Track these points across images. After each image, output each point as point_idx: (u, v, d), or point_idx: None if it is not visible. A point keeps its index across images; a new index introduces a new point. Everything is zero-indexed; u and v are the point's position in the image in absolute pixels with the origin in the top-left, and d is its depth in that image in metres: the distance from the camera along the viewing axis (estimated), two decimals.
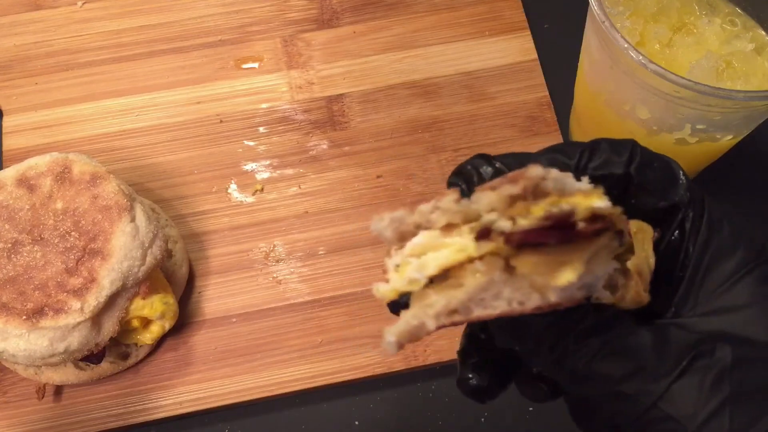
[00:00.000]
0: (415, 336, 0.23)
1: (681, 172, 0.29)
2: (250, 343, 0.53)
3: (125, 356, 0.52)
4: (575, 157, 0.29)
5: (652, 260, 0.27)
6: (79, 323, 0.45)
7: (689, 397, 0.25)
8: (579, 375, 0.26)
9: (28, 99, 0.62)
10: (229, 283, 0.55)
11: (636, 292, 0.26)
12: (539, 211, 0.22)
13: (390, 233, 0.24)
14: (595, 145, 0.30)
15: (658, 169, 0.29)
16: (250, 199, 0.58)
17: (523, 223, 0.22)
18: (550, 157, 0.29)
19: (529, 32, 0.64)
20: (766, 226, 0.58)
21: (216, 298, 0.55)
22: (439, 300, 0.23)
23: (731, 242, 0.28)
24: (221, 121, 0.61)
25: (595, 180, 0.25)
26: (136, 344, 0.52)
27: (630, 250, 0.26)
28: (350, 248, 0.56)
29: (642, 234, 0.28)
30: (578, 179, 0.23)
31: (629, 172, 0.29)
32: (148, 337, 0.51)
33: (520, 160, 0.29)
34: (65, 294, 0.46)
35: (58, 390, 0.52)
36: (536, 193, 0.22)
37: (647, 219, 0.29)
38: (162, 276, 0.52)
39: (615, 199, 0.24)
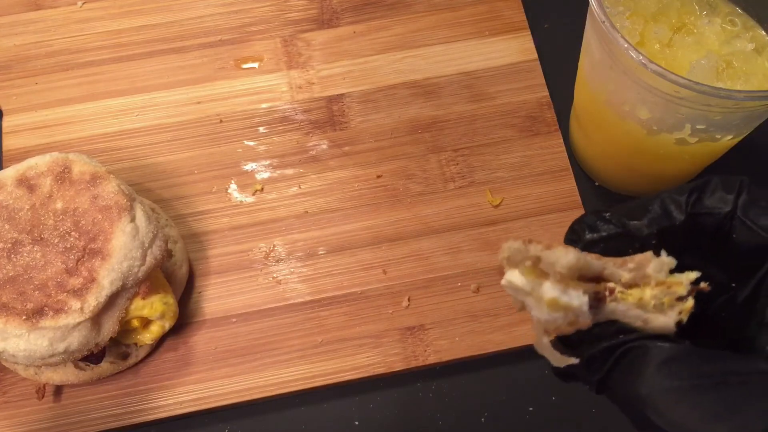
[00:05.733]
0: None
1: None
2: (250, 343, 0.53)
3: (125, 356, 0.52)
4: (684, 196, 0.31)
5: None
6: (79, 323, 0.45)
7: None
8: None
9: (28, 99, 0.62)
10: (229, 283, 0.55)
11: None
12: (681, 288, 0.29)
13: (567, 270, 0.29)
14: (707, 184, 0.31)
15: (765, 206, 0.30)
16: (250, 199, 0.58)
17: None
18: (661, 207, 0.32)
19: (529, 32, 0.64)
20: None
21: (216, 298, 0.55)
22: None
23: None
24: (221, 121, 0.61)
25: (695, 216, 0.30)
26: (136, 344, 0.52)
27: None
28: (350, 248, 0.56)
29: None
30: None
31: (734, 209, 0.30)
32: (148, 337, 0.51)
33: (631, 211, 0.32)
34: (65, 294, 0.46)
35: (58, 390, 0.52)
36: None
37: (745, 256, 0.30)
38: (162, 276, 0.52)
39: (709, 235, 0.30)
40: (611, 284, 0.29)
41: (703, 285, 0.29)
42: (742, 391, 0.25)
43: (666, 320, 0.29)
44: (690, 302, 0.29)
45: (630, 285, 0.29)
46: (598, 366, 0.28)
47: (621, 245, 0.31)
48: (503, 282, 0.29)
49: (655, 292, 0.29)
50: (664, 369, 0.26)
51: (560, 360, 0.29)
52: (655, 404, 0.26)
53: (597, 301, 0.29)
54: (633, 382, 0.27)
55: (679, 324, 0.29)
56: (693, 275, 0.29)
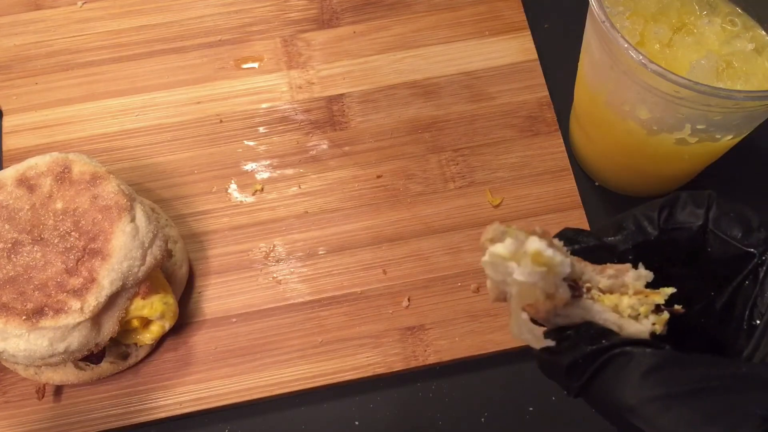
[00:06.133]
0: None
1: (757, 220, 0.31)
2: (250, 343, 0.53)
3: (125, 356, 0.52)
4: (655, 212, 0.32)
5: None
6: (79, 323, 0.45)
7: None
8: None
9: (28, 99, 0.62)
10: (229, 283, 0.55)
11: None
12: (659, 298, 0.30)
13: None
14: (676, 199, 0.32)
15: (735, 218, 0.31)
16: (250, 199, 0.58)
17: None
18: (635, 224, 0.33)
19: (529, 32, 0.64)
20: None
21: (216, 298, 0.55)
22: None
23: None
24: (221, 121, 0.61)
25: (669, 231, 0.31)
26: (136, 344, 0.52)
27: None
28: (350, 248, 0.56)
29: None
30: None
31: (706, 223, 0.31)
32: (148, 337, 0.51)
33: (606, 229, 0.33)
34: (65, 294, 0.46)
35: (58, 390, 0.52)
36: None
37: (720, 266, 0.31)
38: (162, 276, 0.52)
39: (684, 249, 0.32)
40: (588, 284, 0.30)
41: (677, 307, 0.29)
42: (726, 395, 0.26)
43: (641, 328, 0.29)
44: (666, 315, 0.29)
45: (607, 292, 0.30)
46: (581, 372, 0.28)
47: (599, 260, 0.31)
48: (484, 258, 0.29)
49: (632, 301, 0.29)
50: (650, 377, 0.26)
51: (538, 340, 0.29)
52: (644, 413, 0.26)
53: (574, 290, 0.29)
54: (618, 391, 0.27)
55: (653, 334, 0.29)
56: (670, 290, 0.29)
